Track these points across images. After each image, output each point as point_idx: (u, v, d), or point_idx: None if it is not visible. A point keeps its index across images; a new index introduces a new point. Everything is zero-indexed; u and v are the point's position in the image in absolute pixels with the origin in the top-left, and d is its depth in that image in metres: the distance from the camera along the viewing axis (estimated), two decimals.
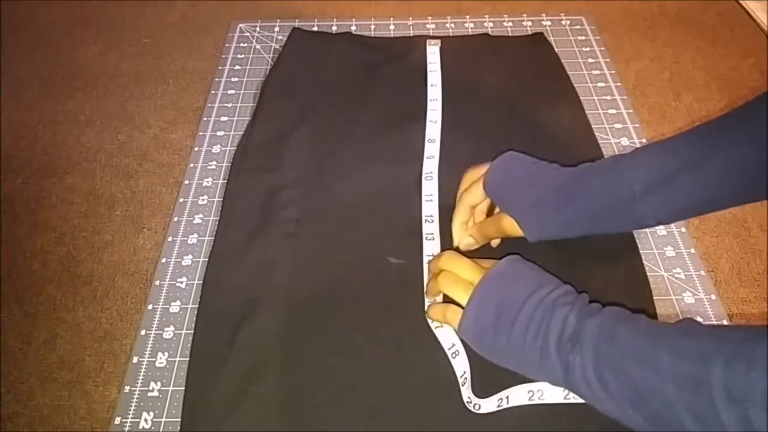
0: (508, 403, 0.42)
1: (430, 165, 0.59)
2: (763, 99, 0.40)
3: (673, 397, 0.32)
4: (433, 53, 0.71)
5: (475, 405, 0.42)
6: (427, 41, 0.73)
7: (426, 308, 0.48)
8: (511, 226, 0.48)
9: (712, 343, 0.32)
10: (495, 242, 0.52)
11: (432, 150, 0.60)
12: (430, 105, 0.65)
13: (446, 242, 0.52)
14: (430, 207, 0.55)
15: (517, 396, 0.42)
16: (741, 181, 0.41)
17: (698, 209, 0.45)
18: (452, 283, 0.44)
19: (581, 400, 0.39)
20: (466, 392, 0.43)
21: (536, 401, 0.41)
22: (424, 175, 0.58)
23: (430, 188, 0.57)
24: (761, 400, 0.28)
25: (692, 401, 0.31)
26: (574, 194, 0.46)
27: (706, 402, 0.30)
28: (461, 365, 0.44)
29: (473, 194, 0.51)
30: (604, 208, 0.45)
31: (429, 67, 0.69)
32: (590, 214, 0.45)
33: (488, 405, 0.42)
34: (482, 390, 0.43)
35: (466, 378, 0.44)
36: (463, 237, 0.51)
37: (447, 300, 0.45)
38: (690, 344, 0.33)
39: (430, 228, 0.53)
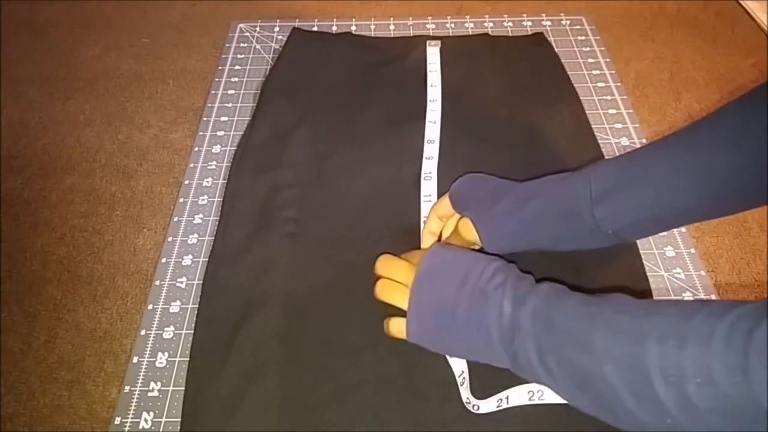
0: (507, 403, 0.42)
1: (429, 165, 0.59)
2: (726, 110, 0.40)
3: (613, 378, 0.32)
4: (433, 54, 0.71)
5: (474, 406, 0.42)
6: (428, 42, 0.73)
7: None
8: (467, 230, 0.47)
9: (646, 320, 0.32)
10: None
11: (431, 150, 0.60)
12: (429, 106, 0.65)
13: None
14: (428, 207, 0.55)
15: (517, 396, 0.42)
16: (703, 191, 0.40)
17: (661, 221, 0.43)
18: (389, 290, 0.44)
19: None
20: (465, 393, 0.43)
21: (536, 401, 0.41)
22: (423, 176, 0.58)
23: (428, 188, 0.57)
24: (695, 375, 0.28)
25: (631, 382, 0.31)
26: (532, 195, 0.46)
27: (644, 382, 0.30)
28: (459, 365, 0.44)
29: (441, 205, 0.51)
30: (561, 212, 0.44)
31: (429, 68, 0.69)
32: (547, 217, 0.45)
33: (487, 406, 0.42)
34: (481, 390, 0.43)
35: (464, 378, 0.44)
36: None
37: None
38: (624, 323, 0.33)
39: None
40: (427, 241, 0.52)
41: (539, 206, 0.45)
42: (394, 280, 0.44)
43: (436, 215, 0.52)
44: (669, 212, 0.42)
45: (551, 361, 0.35)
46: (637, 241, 0.53)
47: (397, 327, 0.43)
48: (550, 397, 0.41)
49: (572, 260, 0.50)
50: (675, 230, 0.55)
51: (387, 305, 0.45)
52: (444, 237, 0.52)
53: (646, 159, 0.42)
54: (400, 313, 0.44)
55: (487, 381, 0.43)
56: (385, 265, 0.45)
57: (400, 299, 0.43)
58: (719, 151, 0.39)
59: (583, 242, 0.45)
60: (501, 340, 0.38)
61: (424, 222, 0.54)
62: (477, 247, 0.50)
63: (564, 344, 0.35)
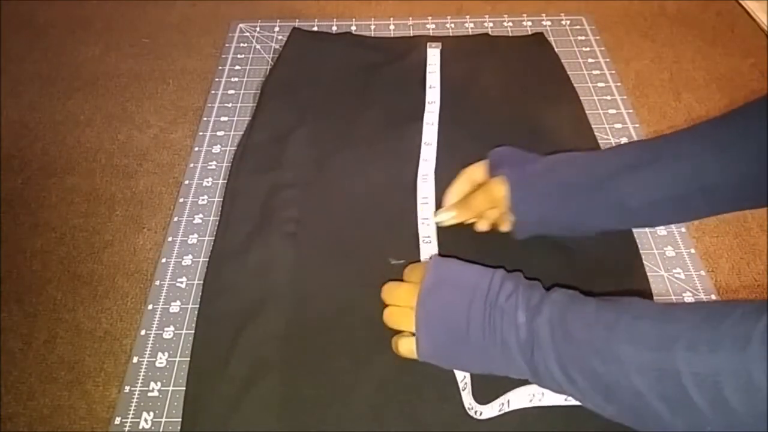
0: (509, 406, 0.42)
1: (426, 167, 0.59)
2: (759, 105, 0.39)
3: (641, 387, 0.32)
4: (433, 55, 0.71)
5: (476, 411, 0.42)
6: (428, 44, 0.72)
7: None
8: (498, 187, 0.47)
9: (670, 326, 0.32)
10: (481, 226, 0.51)
11: (428, 153, 0.60)
12: (427, 107, 0.65)
13: (443, 245, 0.52)
14: (426, 209, 0.55)
15: (518, 399, 0.42)
16: (732, 172, 0.40)
17: (683, 203, 0.43)
18: (396, 317, 0.43)
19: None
20: (467, 398, 0.43)
21: (536, 404, 0.41)
22: (420, 177, 0.58)
23: (426, 190, 0.57)
24: (733, 379, 0.28)
25: (662, 389, 0.31)
26: (567, 161, 0.46)
27: (677, 388, 0.30)
28: (461, 371, 0.44)
29: (475, 169, 0.50)
30: (590, 180, 0.44)
31: (428, 69, 0.69)
32: (575, 184, 0.45)
33: (490, 411, 0.42)
34: (483, 395, 0.43)
35: (466, 383, 0.43)
36: (446, 209, 0.51)
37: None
38: (647, 330, 0.32)
39: (427, 231, 0.53)
40: (448, 201, 0.51)
41: (571, 172, 0.45)
42: (401, 305, 0.43)
43: (468, 177, 0.51)
44: (694, 192, 0.41)
45: (575, 372, 0.35)
46: (637, 241, 0.53)
47: (407, 346, 0.42)
48: (550, 399, 0.41)
49: (572, 260, 0.51)
50: (675, 230, 0.55)
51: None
52: (463, 195, 0.51)
53: (678, 140, 0.42)
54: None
55: (487, 385, 0.43)
56: (389, 291, 0.44)
57: (408, 323, 0.42)
58: (752, 136, 0.38)
59: (604, 218, 0.45)
60: (521, 352, 0.37)
61: (423, 222, 0.54)
62: (499, 213, 0.49)
63: (585, 355, 0.34)
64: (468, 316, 0.39)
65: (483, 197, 0.48)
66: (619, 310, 0.35)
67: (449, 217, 0.51)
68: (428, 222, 0.54)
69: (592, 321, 0.35)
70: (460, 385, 0.44)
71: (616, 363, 0.33)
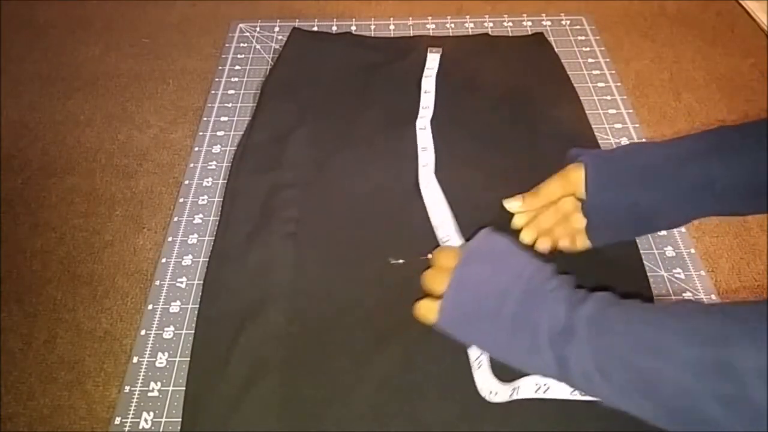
0: (518, 394, 0.42)
1: (426, 172, 0.58)
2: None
3: (693, 384, 0.29)
4: (432, 60, 0.71)
5: (491, 392, 0.42)
6: (429, 49, 0.72)
7: None
8: (576, 172, 0.45)
9: (724, 322, 0.30)
10: (543, 245, 0.49)
11: (426, 158, 0.60)
12: (421, 113, 0.64)
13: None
14: (438, 213, 0.54)
15: (526, 388, 0.41)
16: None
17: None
18: (433, 277, 0.41)
19: (587, 398, 0.39)
20: (481, 378, 0.42)
21: (541, 395, 0.41)
22: (422, 184, 0.57)
23: (432, 195, 0.56)
24: None
25: (717, 387, 0.29)
26: (644, 148, 0.45)
27: (735, 385, 0.28)
28: (476, 349, 0.43)
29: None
30: (672, 163, 0.42)
31: (425, 73, 0.69)
32: (657, 167, 0.43)
33: (504, 393, 0.42)
34: (499, 377, 0.43)
35: (481, 362, 0.43)
36: (513, 197, 0.49)
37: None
38: (698, 325, 0.31)
39: (445, 231, 0.52)
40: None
41: (653, 154, 0.43)
42: (443, 266, 0.41)
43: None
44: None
45: (612, 367, 0.33)
46: (637, 241, 0.53)
47: (427, 307, 0.41)
48: (555, 391, 0.41)
49: (572, 260, 0.51)
50: (675, 230, 0.55)
51: (389, 306, 0.44)
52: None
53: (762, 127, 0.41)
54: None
55: (502, 368, 0.42)
56: (438, 254, 0.43)
57: (441, 283, 0.40)
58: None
59: (684, 204, 0.43)
60: (550, 342, 0.35)
61: (437, 227, 0.53)
62: (570, 230, 0.48)
63: (626, 348, 0.32)
64: (505, 292, 0.37)
65: (557, 182, 0.46)
66: (665, 310, 0.34)
67: (515, 205, 0.48)
68: (445, 225, 0.53)
69: (636, 316, 0.34)
70: (474, 364, 0.43)
71: (661, 357, 0.31)
